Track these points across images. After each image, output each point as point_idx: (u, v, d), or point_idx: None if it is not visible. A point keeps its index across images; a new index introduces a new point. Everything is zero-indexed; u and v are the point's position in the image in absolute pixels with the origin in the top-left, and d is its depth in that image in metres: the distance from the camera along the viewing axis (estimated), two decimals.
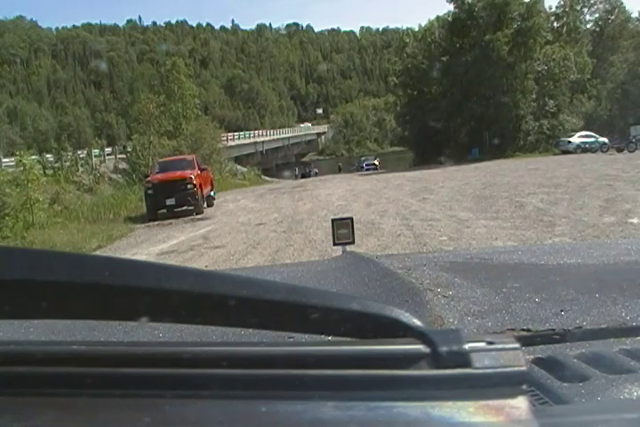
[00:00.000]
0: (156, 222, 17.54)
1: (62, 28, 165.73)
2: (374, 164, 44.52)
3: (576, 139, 34.79)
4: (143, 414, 0.47)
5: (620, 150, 31.64)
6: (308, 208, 16.98)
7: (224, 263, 9.73)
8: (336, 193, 20.95)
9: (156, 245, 12.98)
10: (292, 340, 0.78)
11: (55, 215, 18.22)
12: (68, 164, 27.51)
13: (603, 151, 32.36)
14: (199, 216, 17.76)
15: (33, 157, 25.42)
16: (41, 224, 16.69)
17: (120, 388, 0.50)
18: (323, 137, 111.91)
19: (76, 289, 0.50)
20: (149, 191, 18.36)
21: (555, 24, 47.43)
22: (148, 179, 18.99)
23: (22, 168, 17.81)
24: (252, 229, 13.75)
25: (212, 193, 21.11)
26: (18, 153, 19.33)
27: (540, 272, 1.49)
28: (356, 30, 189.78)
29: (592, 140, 34.44)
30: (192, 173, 18.64)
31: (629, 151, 30.72)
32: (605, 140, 34.42)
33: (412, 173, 28.70)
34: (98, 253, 11.68)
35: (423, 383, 0.50)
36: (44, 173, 25.38)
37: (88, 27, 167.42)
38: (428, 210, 14.19)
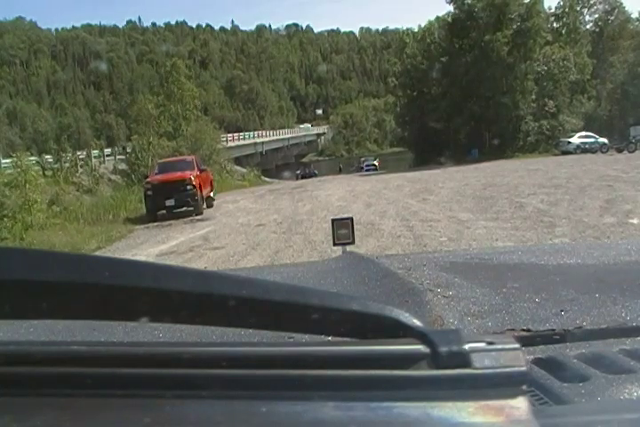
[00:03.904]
0: (155, 223, 17.49)
1: (62, 28, 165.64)
2: (374, 164, 44.50)
3: (576, 139, 34.71)
4: (143, 415, 0.47)
5: (619, 151, 31.56)
6: (307, 209, 16.93)
7: (223, 264, 9.72)
8: (336, 194, 20.89)
9: (155, 247, 12.94)
10: (292, 340, 0.78)
11: (54, 216, 18.13)
12: (67, 165, 27.35)
13: (602, 152, 32.25)
14: (199, 217, 17.70)
15: (32, 157, 25.36)
16: (40, 225, 16.61)
17: (120, 388, 0.50)
18: (322, 138, 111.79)
19: (76, 289, 0.50)
20: (149, 192, 18.30)
21: (554, 25, 47.41)
22: (148, 180, 18.90)
23: (20, 169, 17.75)
24: (251, 230, 13.71)
25: (211, 194, 21.03)
26: (15, 154, 19.21)
27: (540, 272, 1.49)
28: (356, 31, 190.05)
29: (592, 140, 34.33)
30: (191, 174, 18.57)
31: (629, 152, 30.64)
32: (605, 140, 34.33)
33: (412, 174, 28.63)
34: (97, 254, 11.67)
35: (423, 384, 0.50)
36: (44, 174, 25.25)
37: (88, 28, 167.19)
38: (428, 211, 14.14)
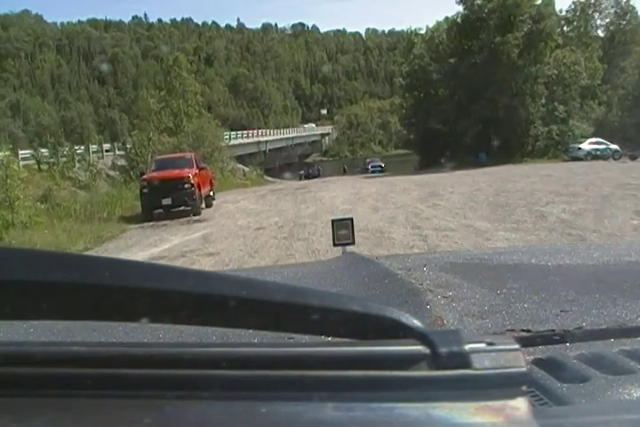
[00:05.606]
0: (150, 223, 16.83)
1: (67, 22, 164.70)
2: (380, 166, 44.25)
3: (586, 145, 33.90)
4: (143, 415, 0.48)
5: (633, 158, 30.84)
6: (310, 212, 16.30)
7: None
8: (340, 196, 20.30)
9: (145, 250, 12.35)
10: (292, 341, 0.78)
11: (39, 214, 17.05)
12: (64, 159, 26.58)
13: (615, 159, 31.59)
14: (196, 217, 17.09)
15: (25, 151, 24.84)
16: (24, 224, 15.54)
17: (120, 389, 0.50)
18: (326, 138, 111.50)
19: (76, 290, 0.50)
20: (145, 190, 17.66)
21: (565, 28, 47.09)
22: (144, 177, 18.31)
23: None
24: (250, 234, 13.11)
25: (211, 193, 20.34)
26: None
27: (540, 273, 1.50)
28: (362, 31, 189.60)
29: (603, 147, 33.59)
30: (190, 172, 17.95)
31: None
32: (617, 147, 33.64)
33: (419, 177, 27.93)
34: None
35: (423, 384, 0.50)
36: (39, 168, 24.61)
37: (93, 22, 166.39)
38: (440, 218, 13.34)
